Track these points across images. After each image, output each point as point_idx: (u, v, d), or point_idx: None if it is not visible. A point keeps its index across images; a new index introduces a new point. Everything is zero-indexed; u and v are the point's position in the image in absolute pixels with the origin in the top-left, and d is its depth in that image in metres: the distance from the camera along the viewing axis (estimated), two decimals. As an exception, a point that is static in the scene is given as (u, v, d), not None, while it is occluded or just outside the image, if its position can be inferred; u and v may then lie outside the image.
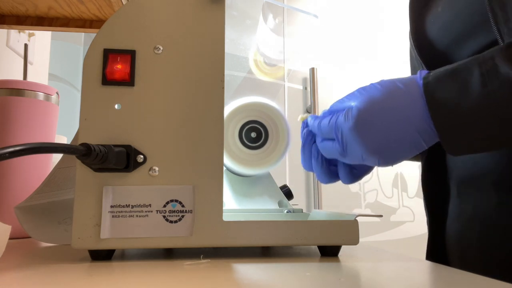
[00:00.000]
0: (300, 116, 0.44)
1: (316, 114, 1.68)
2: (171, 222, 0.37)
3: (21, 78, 0.73)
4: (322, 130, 0.40)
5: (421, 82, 0.36)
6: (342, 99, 0.40)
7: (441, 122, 0.34)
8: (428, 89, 0.35)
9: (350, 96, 0.39)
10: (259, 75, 1.73)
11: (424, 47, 0.49)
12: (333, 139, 0.39)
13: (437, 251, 0.51)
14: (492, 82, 0.32)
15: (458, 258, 0.47)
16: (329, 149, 0.39)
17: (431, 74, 0.36)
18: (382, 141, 0.35)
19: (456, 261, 0.48)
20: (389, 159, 0.36)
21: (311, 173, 1.67)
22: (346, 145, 0.37)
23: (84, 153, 0.33)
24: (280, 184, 0.55)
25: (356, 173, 0.41)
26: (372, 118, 0.35)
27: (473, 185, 0.45)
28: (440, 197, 0.51)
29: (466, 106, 0.33)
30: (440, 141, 0.35)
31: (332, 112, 0.40)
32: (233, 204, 0.50)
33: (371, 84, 0.37)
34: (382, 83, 0.37)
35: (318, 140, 0.41)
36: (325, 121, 0.39)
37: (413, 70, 0.56)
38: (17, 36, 0.97)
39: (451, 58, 0.45)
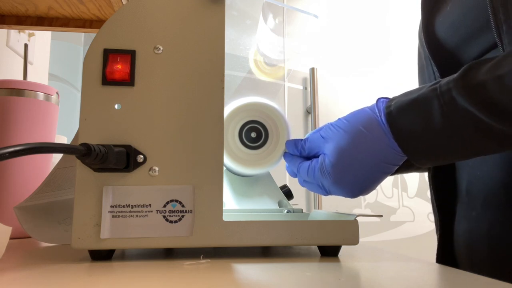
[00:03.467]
0: None
1: (317, 114, 1.68)
2: (171, 222, 0.37)
3: (21, 78, 0.73)
4: (302, 176, 0.44)
5: (381, 116, 0.39)
6: (310, 139, 0.44)
7: (408, 149, 0.38)
8: (392, 120, 0.38)
9: (316, 140, 0.43)
10: (259, 75, 1.73)
11: (434, 46, 0.49)
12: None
13: (448, 253, 0.51)
14: (451, 114, 0.35)
15: (466, 258, 0.47)
16: (314, 190, 0.44)
17: (393, 103, 0.39)
18: (360, 185, 0.40)
19: (465, 261, 0.47)
20: (369, 191, 0.41)
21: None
22: (330, 192, 0.42)
23: (84, 153, 0.33)
24: (280, 184, 0.55)
25: None
26: (345, 171, 0.40)
27: (482, 184, 0.45)
28: (450, 197, 0.51)
29: (429, 134, 0.36)
30: (410, 160, 0.39)
31: (309, 148, 0.44)
32: (233, 204, 0.50)
33: (336, 129, 0.41)
34: (346, 128, 0.40)
35: (300, 178, 0.46)
36: (304, 169, 0.43)
37: (421, 68, 0.56)
38: (17, 36, 0.97)
39: (460, 57, 0.46)
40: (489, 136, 0.34)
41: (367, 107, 0.41)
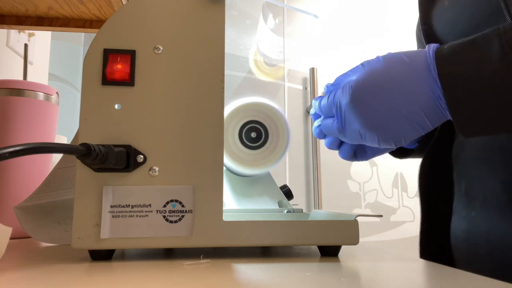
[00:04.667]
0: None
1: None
2: (171, 222, 0.37)
3: (21, 78, 0.73)
4: (322, 109, 0.40)
5: (430, 54, 0.34)
6: (346, 72, 0.39)
7: (453, 97, 0.32)
8: (442, 61, 0.33)
9: (354, 70, 0.39)
10: (259, 75, 1.73)
11: (432, 42, 0.49)
12: (333, 117, 0.38)
13: (436, 251, 0.51)
14: None
15: (466, 259, 0.47)
16: (329, 127, 0.39)
17: (446, 46, 0.34)
18: (381, 117, 0.34)
19: (464, 262, 0.47)
20: (390, 138, 0.35)
21: (311, 173, 1.67)
22: (344, 120, 0.36)
23: (84, 153, 0.33)
24: (280, 184, 0.55)
25: (357, 155, 0.43)
26: (370, 91, 0.34)
27: (481, 184, 0.45)
28: (443, 196, 0.51)
29: (483, 79, 0.31)
30: (452, 119, 0.33)
31: (335, 85, 0.40)
32: (233, 204, 0.50)
33: (377, 57, 0.37)
34: (386, 55, 0.36)
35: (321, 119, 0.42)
36: (325, 99, 0.39)
37: None
38: (17, 36, 0.97)
39: None
40: None
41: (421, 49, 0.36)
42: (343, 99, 0.36)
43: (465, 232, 0.47)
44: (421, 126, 0.34)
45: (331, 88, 0.41)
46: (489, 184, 0.44)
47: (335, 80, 0.41)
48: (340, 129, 0.38)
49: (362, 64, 0.38)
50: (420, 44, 0.54)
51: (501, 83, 0.30)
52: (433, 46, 0.35)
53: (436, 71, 0.33)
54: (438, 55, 0.33)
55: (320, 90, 1.74)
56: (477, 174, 0.45)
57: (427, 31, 0.50)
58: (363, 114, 0.35)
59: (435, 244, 0.51)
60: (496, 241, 0.43)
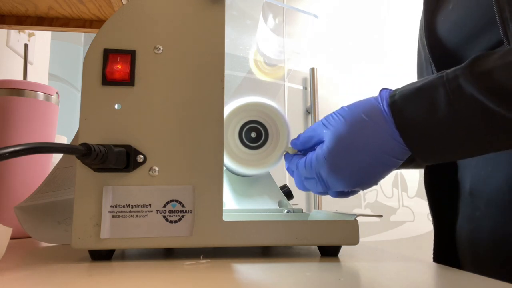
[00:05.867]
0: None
1: (317, 114, 1.68)
2: (171, 222, 0.37)
3: (21, 78, 0.73)
4: (301, 172, 0.42)
5: (385, 108, 0.37)
6: (311, 128, 0.42)
7: (411, 140, 0.36)
8: (395, 109, 0.37)
9: (318, 128, 0.41)
10: (259, 75, 1.73)
11: (435, 46, 0.49)
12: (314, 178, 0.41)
13: (446, 252, 0.51)
14: (457, 102, 0.33)
15: (470, 259, 0.47)
16: (314, 187, 0.42)
17: (397, 92, 0.38)
18: (358, 175, 0.38)
19: (468, 262, 0.47)
20: (371, 183, 0.39)
21: (311, 173, 1.67)
22: (328, 185, 0.40)
23: (84, 153, 0.33)
24: (280, 184, 0.55)
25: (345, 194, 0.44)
26: (343, 157, 0.38)
27: (486, 184, 0.45)
28: (448, 198, 0.51)
29: (434, 124, 0.35)
30: (413, 155, 0.37)
31: (303, 144, 0.43)
32: (233, 204, 0.50)
33: (337, 116, 0.40)
34: (346, 115, 0.39)
35: (300, 177, 0.44)
36: (301, 164, 0.42)
37: (420, 68, 0.56)
38: (17, 36, 0.97)
39: (462, 57, 0.45)
40: (496, 126, 0.33)
41: (372, 97, 0.40)
42: (322, 170, 0.39)
43: (470, 232, 0.47)
44: (394, 165, 0.38)
45: (300, 147, 0.44)
46: (493, 184, 0.44)
47: (301, 139, 0.43)
48: (325, 189, 0.41)
49: (325, 125, 0.40)
50: (422, 45, 0.54)
51: (450, 128, 0.34)
52: (385, 96, 0.38)
53: (393, 122, 0.37)
54: (392, 108, 0.37)
55: (320, 90, 1.74)
56: (481, 173, 0.45)
57: (430, 35, 0.50)
58: (343, 179, 0.39)
59: (445, 246, 0.51)
60: (500, 241, 0.43)
